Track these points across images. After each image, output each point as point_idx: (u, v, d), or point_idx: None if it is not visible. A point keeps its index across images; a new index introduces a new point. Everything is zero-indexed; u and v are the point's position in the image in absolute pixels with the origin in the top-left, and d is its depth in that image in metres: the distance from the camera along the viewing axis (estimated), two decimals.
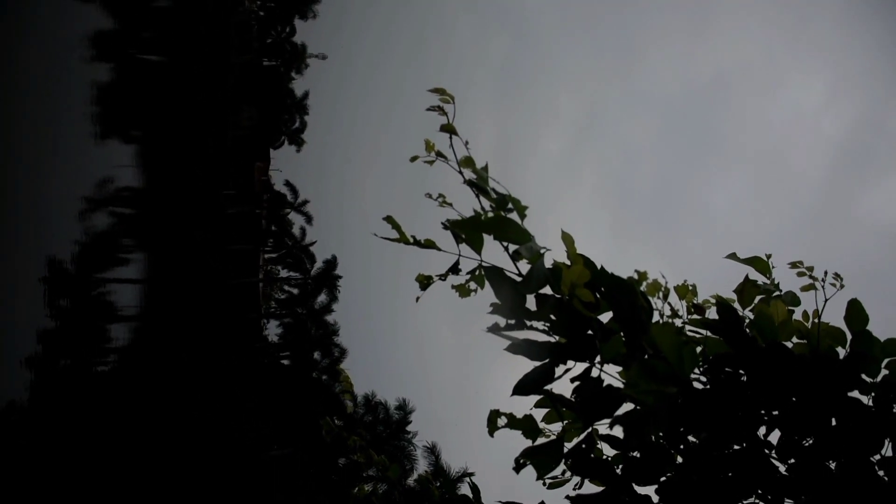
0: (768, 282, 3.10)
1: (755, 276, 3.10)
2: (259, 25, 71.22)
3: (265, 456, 40.72)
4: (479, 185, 2.49)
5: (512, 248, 2.50)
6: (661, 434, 2.46)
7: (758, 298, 2.87)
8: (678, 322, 3.12)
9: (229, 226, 55.15)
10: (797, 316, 2.92)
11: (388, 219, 2.70)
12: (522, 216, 2.46)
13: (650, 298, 2.74)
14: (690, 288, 3.16)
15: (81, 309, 34.91)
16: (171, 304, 45.67)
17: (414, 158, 2.70)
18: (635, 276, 2.95)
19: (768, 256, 3.11)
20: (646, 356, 2.30)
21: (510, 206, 2.48)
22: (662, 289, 3.16)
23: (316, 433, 41.32)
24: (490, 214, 2.47)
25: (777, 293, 3.03)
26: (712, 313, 3.10)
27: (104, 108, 36.57)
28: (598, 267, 2.56)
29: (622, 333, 2.34)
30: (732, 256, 3.04)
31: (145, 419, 34.02)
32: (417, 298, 2.91)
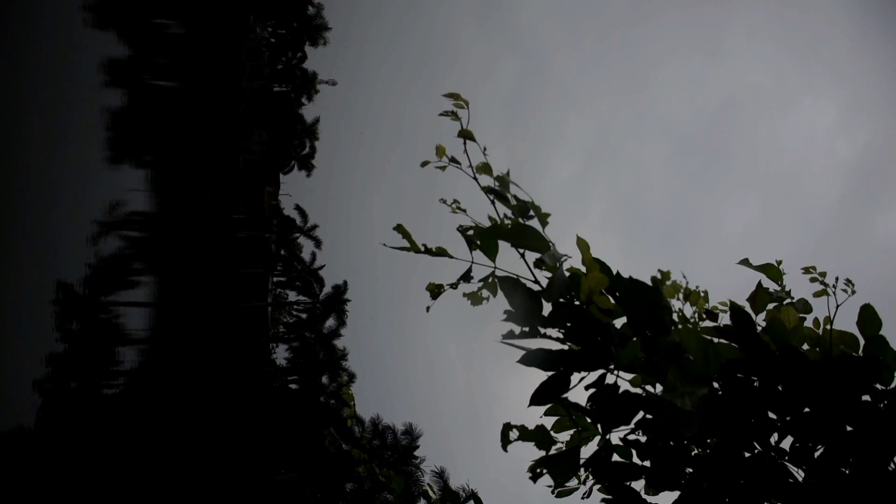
0: (779, 289, 3.09)
1: (766, 283, 3.10)
2: (270, 52, 71.83)
3: (272, 480, 40.50)
4: (499, 193, 2.47)
5: (528, 254, 2.47)
6: (677, 438, 2.45)
7: (770, 306, 2.87)
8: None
9: (239, 249, 55.29)
10: (808, 323, 2.91)
11: (399, 228, 2.66)
12: (544, 224, 2.43)
13: (669, 300, 2.72)
14: (702, 294, 3.13)
15: (91, 332, 34.93)
16: (181, 327, 45.69)
17: (425, 163, 2.66)
18: (658, 276, 2.89)
19: (779, 263, 3.10)
20: (665, 358, 2.29)
21: (531, 213, 2.46)
22: (682, 290, 3.12)
23: (323, 458, 41.12)
24: (508, 222, 2.45)
25: (788, 300, 3.02)
26: (724, 319, 3.10)
27: (116, 133, 36.84)
28: (615, 272, 2.56)
29: (639, 336, 2.33)
30: (745, 262, 3.03)
31: (153, 441, 33.93)
32: (428, 308, 2.85)
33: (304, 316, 59.40)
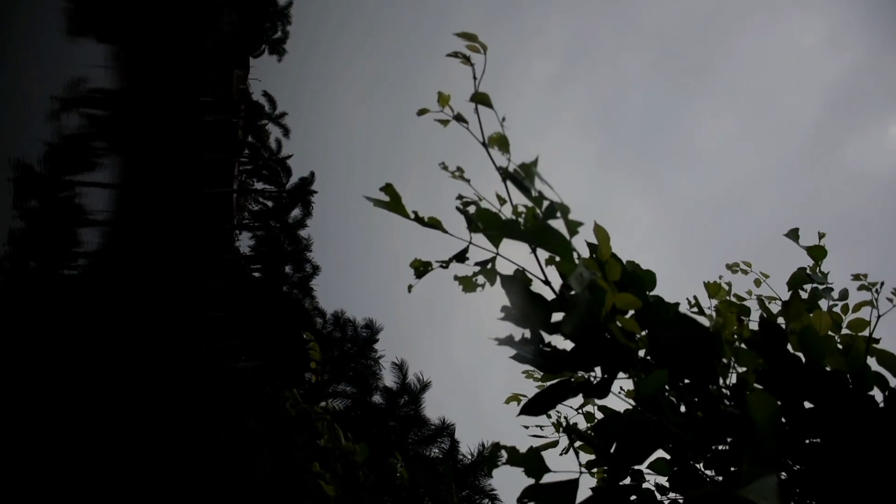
0: (812, 264, 2.83)
1: (796, 256, 2.87)
2: None
3: (231, 367, 40.84)
4: (518, 180, 2.04)
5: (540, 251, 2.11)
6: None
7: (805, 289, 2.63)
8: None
9: (205, 133, 54.03)
10: (835, 310, 2.70)
11: (387, 188, 2.21)
12: (572, 232, 1.95)
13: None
14: (725, 286, 2.78)
15: (50, 211, 34.23)
16: (143, 210, 45.03)
17: (422, 112, 2.23)
18: (720, 320, 2.43)
19: (821, 236, 2.82)
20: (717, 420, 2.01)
21: (557, 214, 2.03)
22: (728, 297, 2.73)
23: (284, 346, 41.45)
24: (522, 210, 2.11)
25: (825, 285, 2.76)
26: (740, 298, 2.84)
27: (78, 4, 35.15)
28: (630, 265, 2.27)
29: (664, 367, 2.02)
30: (792, 235, 2.74)
31: (111, 322, 33.84)
32: (410, 287, 2.49)
33: (269, 204, 58.91)
